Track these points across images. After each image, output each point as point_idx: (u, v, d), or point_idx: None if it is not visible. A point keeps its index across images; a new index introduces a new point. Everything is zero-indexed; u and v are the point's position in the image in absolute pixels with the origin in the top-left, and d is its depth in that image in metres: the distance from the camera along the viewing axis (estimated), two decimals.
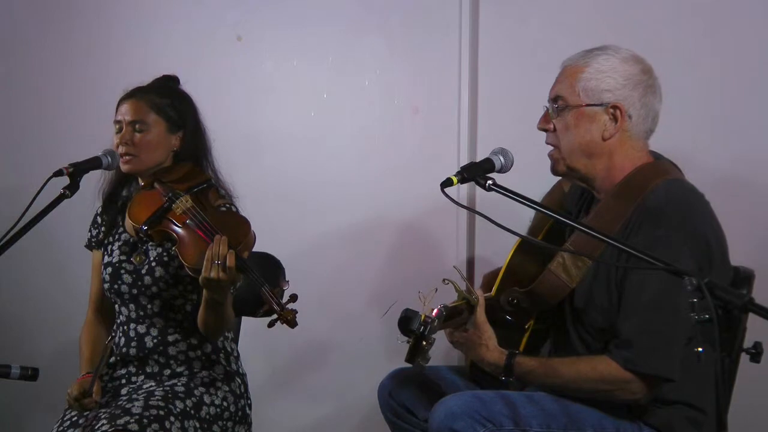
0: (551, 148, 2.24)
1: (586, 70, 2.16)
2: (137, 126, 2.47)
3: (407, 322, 2.12)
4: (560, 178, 2.40)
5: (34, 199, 2.14)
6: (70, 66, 3.56)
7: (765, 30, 2.72)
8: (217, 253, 2.20)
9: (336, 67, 3.26)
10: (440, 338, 2.21)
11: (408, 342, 2.13)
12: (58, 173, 2.22)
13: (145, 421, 2.25)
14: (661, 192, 2.12)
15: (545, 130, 2.24)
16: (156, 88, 2.55)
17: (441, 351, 2.98)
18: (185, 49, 3.39)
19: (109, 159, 2.39)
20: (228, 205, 2.50)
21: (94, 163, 2.35)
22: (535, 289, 2.23)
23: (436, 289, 2.16)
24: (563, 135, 2.19)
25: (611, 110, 2.15)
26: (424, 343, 2.11)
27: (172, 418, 2.30)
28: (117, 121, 2.50)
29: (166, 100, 2.52)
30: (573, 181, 2.34)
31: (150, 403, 2.32)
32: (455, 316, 2.21)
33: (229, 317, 2.42)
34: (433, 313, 2.12)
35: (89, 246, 2.64)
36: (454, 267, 2.34)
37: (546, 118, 2.23)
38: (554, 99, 2.21)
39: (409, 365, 2.45)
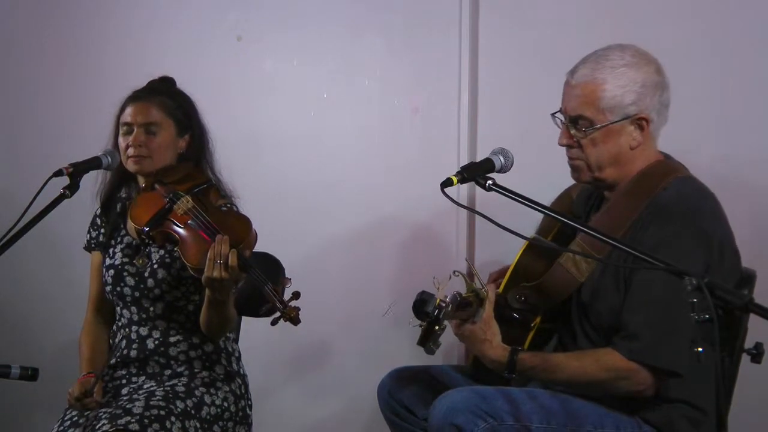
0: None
1: (606, 87, 2.16)
2: (150, 128, 2.47)
3: (423, 304, 2.13)
4: (566, 184, 2.41)
5: (34, 199, 2.14)
6: (69, 66, 3.56)
7: (765, 30, 2.72)
8: (219, 252, 2.20)
9: (336, 67, 3.26)
10: (442, 337, 2.21)
11: (420, 326, 2.14)
12: (58, 173, 2.22)
13: (146, 420, 2.25)
14: (673, 190, 2.14)
15: (568, 146, 2.24)
16: (163, 90, 2.55)
17: (441, 350, 2.97)
18: (185, 49, 3.39)
19: (109, 159, 2.39)
20: (229, 205, 2.50)
21: (94, 163, 2.35)
22: (545, 282, 2.23)
23: (450, 276, 2.17)
24: (591, 150, 2.20)
25: (637, 121, 2.17)
26: (437, 327, 2.12)
27: (173, 418, 2.30)
28: (127, 123, 2.48)
29: (175, 103, 2.53)
30: (594, 188, 2.34)
31: (151, 403, 2.32)
32: (465, 308, 2.22)
33: (232, 317, 2.42)
34: (448, 299, 2.13)
35: (88, 248, 2.64)
36: (465, 260, 2.34)
37: (567, 135, 2.23)
38: (574, 119, 2.20)
39: (409, 366, 2.47)
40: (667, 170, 2.19)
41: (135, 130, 2.46)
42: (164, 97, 2.52)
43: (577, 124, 2.20)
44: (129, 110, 2.49)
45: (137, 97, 2.51)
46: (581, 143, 2.20)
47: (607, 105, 2.16)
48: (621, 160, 2.20)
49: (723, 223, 2.15)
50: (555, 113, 2.25)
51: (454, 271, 2.26)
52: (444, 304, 2.12)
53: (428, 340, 2.15)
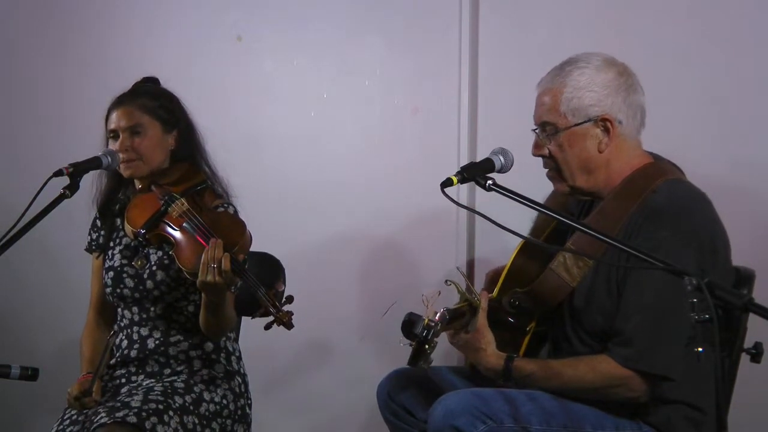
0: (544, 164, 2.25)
1: (565, 90, 2.17)
2: (135, 130, 2.46)
3: (410, 326, 2.12)
4: None
5: (34, 199, 2.13)
6: (69, 66, 3.56)
7: (764, 30, 2.72)
8: (213, 256, 2.21)
9: (336, 67, 3.26)
10: (440, 339, 2.21)
11: (411, 345, 2.13)
12: (58, 173, 2.22)
13: (143, 414, 2.24)
14: (664, 192, 2.12)
15: (541, 156, 2.24)
16: (143, 91, 2.55)
17: (440, 352, 2.96)
18: (185, 49, 3.39)
19: (109, 159, 2.39)
20: (225, 206, 2.50)
21: (94, 163, 2.35)
22: (536, 288, 2.23)
23: (440, 292, 2.16)
24: (560, 156, 2.20)
25: (601, 123, 2.16)
26: (427, 346, 2.11)
27: (171, 413, 2.30)
28: (112, 130, 2.48)
29: (156, 102, 2.52)
30: (576, 198, 2.34)
31: (149, 397, 2.32)
32: (458, 319, 2.21)
33: (231, 317, 2.43)
34: (436, 317, 2.12)
35: (89, 249, 2.64)
36: (457, 268, 2.34)
37: (538, 145, 2.24)
38: (542, 126, 2.22)
39: (408, 367, 2.46)
40: (656, 173, 2.17)
41: (121, 135, 2.46)
42: (145, 98, 2.51)
43: (545, 131, 2.21)
44: (113, 116, 2.49)
45: (119, 102, 2.51)
46: (551, 152, 2.21)
47: (567, 108, 2.16)
48: (591, 165, 2.19)
49: (714, 223, 2.13)
50: (534, 129, 2.26)
51: (446, 281, 2.25)
52: (433, 323, 2.10)
53: (419, 359, 2.12)
